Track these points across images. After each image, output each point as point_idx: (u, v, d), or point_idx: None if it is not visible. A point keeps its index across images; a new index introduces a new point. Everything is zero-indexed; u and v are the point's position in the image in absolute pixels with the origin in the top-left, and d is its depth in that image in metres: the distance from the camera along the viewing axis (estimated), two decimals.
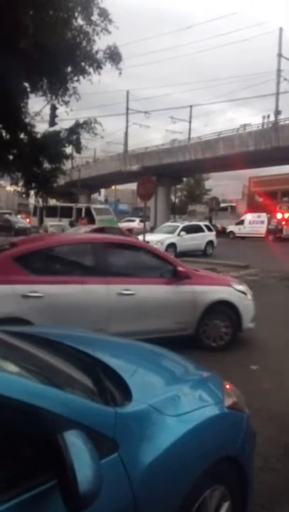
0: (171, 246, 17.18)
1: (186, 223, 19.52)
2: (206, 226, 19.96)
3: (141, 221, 35.74)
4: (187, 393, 1.99)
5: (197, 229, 18.81)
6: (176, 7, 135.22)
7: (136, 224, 34.43)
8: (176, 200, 51.63)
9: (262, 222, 28.34)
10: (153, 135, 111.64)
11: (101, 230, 16.15)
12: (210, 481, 1.76)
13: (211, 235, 19.25)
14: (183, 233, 17.76)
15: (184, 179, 49.41)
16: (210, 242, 18.96)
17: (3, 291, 4.22)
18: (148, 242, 17.14)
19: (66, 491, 1.15)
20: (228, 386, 2.29)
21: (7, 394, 1.23)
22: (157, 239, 17.19)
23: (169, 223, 21.41)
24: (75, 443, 1.21)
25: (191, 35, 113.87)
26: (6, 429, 1.25)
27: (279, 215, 28.54)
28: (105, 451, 1.38)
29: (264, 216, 28.75)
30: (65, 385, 1.57)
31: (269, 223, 28.05)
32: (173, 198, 46.87)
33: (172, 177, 40.18)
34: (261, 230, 27.94)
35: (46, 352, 1.99)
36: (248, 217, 30.17)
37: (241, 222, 30.35)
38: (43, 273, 4.50)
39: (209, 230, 19.70)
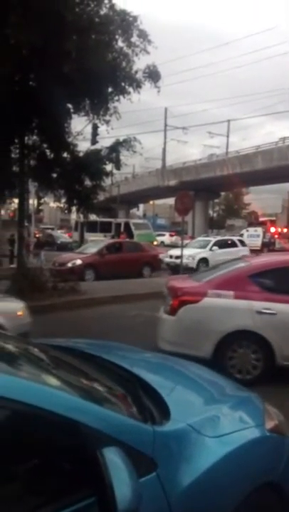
0: (203, 261, 16.86)
1: (219, 238, 19.05)
2: (240, 241, 19.40)
3: (171, 235, 35.81)
4: (227, 414, 1.94)
5: (230, 244, 18.31)
6: (213, 24, 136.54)
7: (166, 238, 34.56)
8: (214, 215, 51.18)
9: (257, 236, 29.37)
10: (191, 150, 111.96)
11: (119, 245, 16.12)
12: (250, 508, 1.70)
13: (245, 250, 18.50)
14: (215, 248, 17.36)
15: (222, 193, 49.02)
16: None
17: (240, 305, 4.63)
18: (179, 257, 17.12)
19: (105, 509, 1.16)
20: (269, 408, 2.21)
21: (48, 407, 1.26)
22: (189, 253, 16.91)
23: (201, 238, 21.12)
24: (114, 460, 1.22)
25: (228, 51, 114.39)
26: (46, 442, 1.28)
27: (272, 229, 31.47)
28: (143, 470, 1.38)
29: (260, 230, 30.12)
30: (104, 401, 1.59)
31: (264, 237, 29.20)
32: (211, 212, 46.53)
33: (210, 191, 40.00)
34: (257, 243, 28.62)
35: (85, 366, 2.02)
36: (248, 231, 31.00)
37: (241, 236, 31.14)
38: (276, 291, 4.73)
39: (243, 244, 19.14)
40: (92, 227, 25.66)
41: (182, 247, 13.16)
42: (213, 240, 18.37)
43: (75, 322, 7.89)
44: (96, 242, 17.15)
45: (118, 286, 12.29)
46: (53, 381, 1.55)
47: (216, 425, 1.78)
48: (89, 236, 23.51)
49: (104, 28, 8.57)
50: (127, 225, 25.79)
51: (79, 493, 1.24)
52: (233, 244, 18.33)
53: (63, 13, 7.56)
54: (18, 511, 1.15)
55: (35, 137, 10.21)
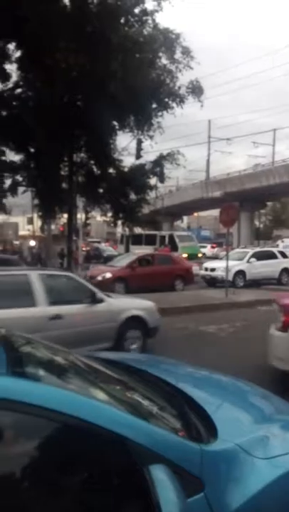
0: (240, 273, 16.05)
1: (258, 249, 17.99)
2: (281, 252, 18.21)
3: (212, 247, 35.22)
4: (277, 434, 1.86)
5: (270, 255, 17.18)
6: (257, 34, 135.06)
7: (207, 250, 33.99)
8: (261, 225, 49.85)
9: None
10: (235, 161, 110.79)
11: (150, 257, 15.37)
12: None
13: (286, 262, 17.38)
14: (253, 260, 16.38)
15: (269, 203, 47.74)
16: (285, 270, 17.14)
17: None
18: (214, 269, 16.58)
19: None
20: None
21: (95, 421, 1.27)
22: (224, 266, 16.07)
23: (238, 249, 20.34)
24: (161, 478, 1.20)
25: (271, 61, 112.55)
26: (93, 457, 1.30)
27: None
28: (190, 489, 1.35)
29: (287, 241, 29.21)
30: (151, 417, 1.59)
31: None
32: (257, 223, 45.37)
33: (255, 202, 39.09)
34: None
35: (131, 380, 2.03)
36: (284, 242, 30.19)
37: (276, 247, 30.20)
38: None
39: (284, 256, 17.91)
40: (138, 239, 25.93)
41: (227, 259, 12.90)
42: (251, 251, 17.42)
43: None
44: (128, 255, 16.76)
45: (159, 298, 12.27)
46: (101, 395, 1.57)
47: (266, 446, 1.71)
48: (134, 249, 23.76)
49: (148, 46, 8.82)
50: (171, 237, 25.81)
51: (126, 509, 1.25)
52: (273, 256, 17.40)
53: (109, 35, 7.88)
54: None
55: (82, 154, 10.62)
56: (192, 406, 1.85)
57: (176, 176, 41.52)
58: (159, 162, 10.46)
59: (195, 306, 10.90)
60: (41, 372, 1.58)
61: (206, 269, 17.11)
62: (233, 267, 15.96)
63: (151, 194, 13.19)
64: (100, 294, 5.85)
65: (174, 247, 24.75)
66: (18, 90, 9.73)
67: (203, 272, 17.16)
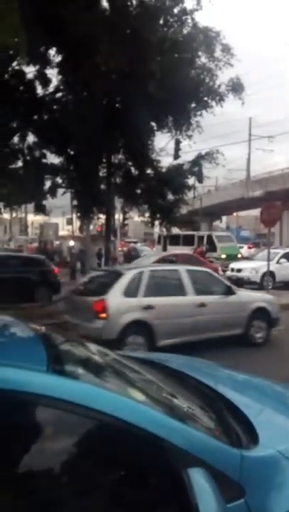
0: (269, 274, 15.13)
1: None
2: None
3: (249, 248, 34.28)
4: None
5: None
6: None
7: (244, 250, 33.06)
8: None
9: None
10: (277, 159, 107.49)
11: (173, 258, 14.67)
12: None
13: None
14: (283, 260, 15.71)
15: None
16: None
17: None
18: (240, 270, 15.91)
19: None
20: None
21: (133, 421, 1.27)
22: (252, 266, 15.71)
23: (271, 250, 19.50)
24: (200, 482, 1.18)
25: None
26: (130, 457, 1.30)
27: None
28: (230, 495, 1.32)
29: None
30: (189, 420, 1.56)
31: None
32: None
33: None
34: None
35: (170, 382, 2.02)
36: None
37: None
38: None
39: None
40: (175, 240, 25.83)
41: (268, 260, 12.50)
42: (281, 252, 16.63)
43: None
44: (149, 256, 16.23)
45: None
46: (138, 395, 1.57)
47: None
48: (171, 249, 23.69)
49: (187, 46, 8.76)
50: (209, 237, 25.46)
51: (163, 511, 1.23)
52: None
53: (148, 36, 7.89)
54: None
55: (121, 156, 10.71)
56: (232, 410, 1.81)
57: (215, 175, 41.01)
58: (197, 162, 10.35)
59: None
60: (80, 371, 1.61)
61: (233, 270, 16.49)
62: (261, 268, 15.27)
63: (190, 194, 13.06)
64: (233, 287, 7.06)
65: (213, 248, 24.40)
66: (59, 94, 10.00)
67: (229, 273, 16.49)
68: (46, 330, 1.95)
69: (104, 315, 5.82)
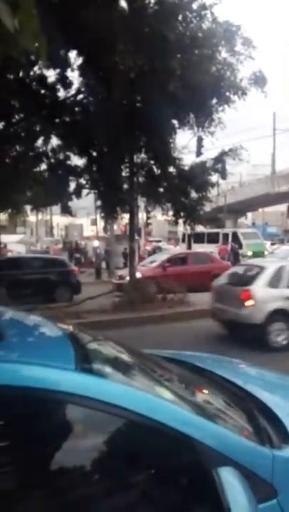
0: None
1: None
2: None
3: (272, 244, 33.47)
4: None
5: None
6: None
7: (267, 246, 32.23)
8: None
9: None
10: None
11: (184, 256, 14.95)
12: None
13: None
14: None
15: None
16: None
17: None
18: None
19: None
20: None
21: (161, 420, 1.26)
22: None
23: (286, 246, 18.72)
24: (231, 481, 1.17)
25: None
26: (159, 456, 1.29)
27: None
28: (262, 495, 1.30)
29: None
30: (219, 419, 1.55)
31: None
32: None
33: None
34: None
35: (198, 381, 2.00)
36: None
37: None
38: None
39: None
40: (200, 238, 25.64)
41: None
42: None
43: (183, 333, 7.94)
44: (161, 254, 16.09)
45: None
46: (167, 394, 1.57)
47: None
48: (196, 247, 23.53)
49: (207, 42, 8.64)
50: (234, 234, 25.14)
51: (195, 510, 1.22)
52: None
53: (166, 34, 7.85)
54: None
55: (143, 155, 10.70)
56: (262, 409, 1.78)
57: (239, 171, 40.41)
58: (220, 158, 10.20)
59: None
60: (108, 369, 1.62)
61: None
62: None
63: (213, 191, 12.90)
64: None
65: (239, 245, 24.08)
66: (80, 96, 10.08)
67: None
68: (74, 329, 1.97)
69: (250, 303, 6.79)
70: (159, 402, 1.38)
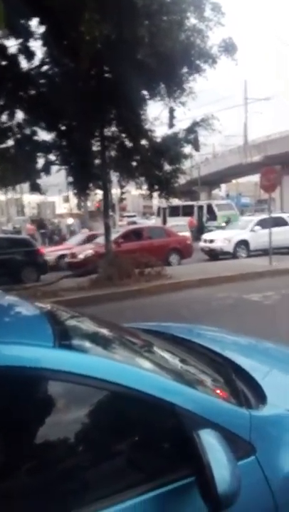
0: (242, 243, 14.92)
1: (264, 216, 15.56)
2: None
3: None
4: None
5: (279, 222, 14.73)
6: None
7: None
8: None
9: None
10: (275, 122, 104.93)
11: (139, 231, 14.71)
12: None
13: None
14: (257, 228, 14.94)
15: None
16: None
17: None
18: (212, 241, 15.69)
19: (204, 490, 1.17)
20: None
21: (143, 389, 1.30)
22: (225, 236, 15.39)
23: (245, 217, 18.80)
24: (211, 442, 1.22)
25: None
26: (142, 423, 1.33)
27: None
28: (241, 453, 1.37)
29: None
30: (198, 384, 1.60)
31: None
32: None
33: None
34: None
35: (177, 350, 2.05)
36: None
37: None
38: None
39: None
40: (175, 211, 25.73)
41: (270, 230, 12.35)
42: (255, 219, 15.99)
43: (163, 306, 8.07)
44: (116, 230, 15.74)
45: (204, 269, 12.22)
46: (147, 364, 1.60)
47: None
48: (171, 221, 23.62)
49: (175, 7, 8.35)
50: (209, 206, 25.35)
51: (178, 472, 1.28)
52: (283, 223, 15.30)
53: (133, 0, 7.53)
54: (119, 487, 1.22)
55: (114, 128, 10.46)
56: (240, 373, 1.85)
57: (212, 142, 40.25)
58: (192, 129, 10.09)
59: (237, 275, 10.78)
60: (87, 344, 1.62)
61: (205, 241, 16.24)
62: (234, 237, 15.07)
63: (187, 163, 12.84)
64: None
65: (213, 217, 24.34)
66: (45, 68, 9.66)
67: (202, 244, 16.30)
68: (51, 307, 1.96)
69: None
70: (139, 372, 1.41)
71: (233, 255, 14.90)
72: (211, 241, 16.02)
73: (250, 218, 17.21)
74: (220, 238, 15.60)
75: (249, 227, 15.49)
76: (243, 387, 1.71)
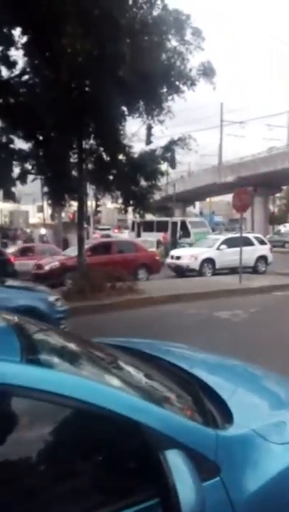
0: (208, 262, 15.16)
1: (230, 235, 16.29)
2: (257, 238, 16.86)
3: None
4: None
5: (245, 242, 14.31)
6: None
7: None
8: (276, 210, 49.19)
9: None
10: (249, 145, 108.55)
11: (107, 245, 14.52)
12: None
13: (263, 249, 16.24)
14: (223, 247, 15.28)
15: (284, 188, 46.99)
16: (262, 258, 16.06)
17: None
18: (179, 258, 16.00)
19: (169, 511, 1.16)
20: None
21: (108, 407, 1.28)
22: (191, 253, 15.65)
23: (211, 236, 19.19)
24: (177, 462, 1.21)
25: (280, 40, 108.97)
26: (107, 442, 1.31)
27: None
28: (206, 474, 1.35)
29: None
30: (165, 402, 1.59)
31: None
32: (272, 207, 44.80)
33: (270, 186, 38.49)
34: None
35: (144, 366, 2.04)
36: (286, 226, 31.62)
37: (278, 232, 32.69)
38: None
39: (262, 243, 16.72)
40: (149, 226, 25.87)
41: (241, 247, 12.66)
42: (222, 237, 16.36)
43: (133, 321, 8.02)
44: (86, 243, 15.95)
45: (175, 285, 12.31)
46: (114, 381, 1.58)
47: (282, 432, 1.70)
48: (145, 236, 23.73)
49: (157, 28, 8.59)
50: (183, 223, 25.67)
51: (143, 493, 1.25)
52: (248, 243, 15.34)
53: (117, 18, 7.69)
54: (84, 508, 1.19)
55: (92, 141, 10.50)
56: (207, 392, 1.85)
57: (188, 161, 41.04)
58: (169, 147, 10.29)
59: (208, 292, 10.90)
60: (55, 359, 1.59)
61: (172, 257, 16.37)
62: (200, 255, 15.26)
63: (163, 180, 12.99)
64: None
65: (187, 233, 24.64)
66: (25, 77, 9.63)
67: (169, 260, 16.43)
68: (19, 320, 1.91)
69: None
70: (106, 389, 1.39)
71: (199, 273, 15.07)
72: (178, 258, 16.11)
73: (216, 237, 17.47)
74: (186, 255, 15.75)
75: (215, 245, 15.67)
76: (210, 406, 1.71)
